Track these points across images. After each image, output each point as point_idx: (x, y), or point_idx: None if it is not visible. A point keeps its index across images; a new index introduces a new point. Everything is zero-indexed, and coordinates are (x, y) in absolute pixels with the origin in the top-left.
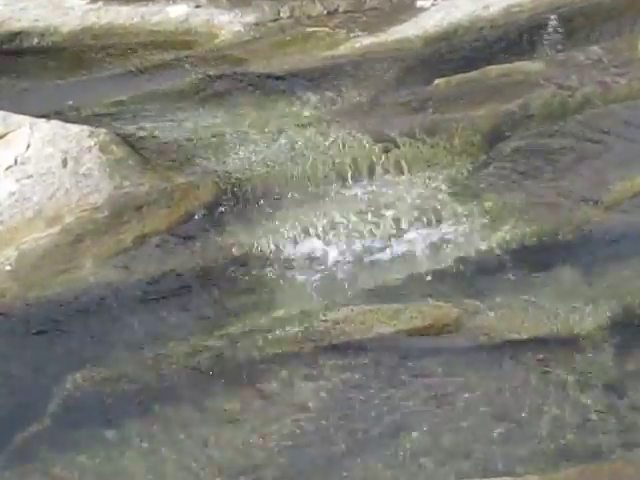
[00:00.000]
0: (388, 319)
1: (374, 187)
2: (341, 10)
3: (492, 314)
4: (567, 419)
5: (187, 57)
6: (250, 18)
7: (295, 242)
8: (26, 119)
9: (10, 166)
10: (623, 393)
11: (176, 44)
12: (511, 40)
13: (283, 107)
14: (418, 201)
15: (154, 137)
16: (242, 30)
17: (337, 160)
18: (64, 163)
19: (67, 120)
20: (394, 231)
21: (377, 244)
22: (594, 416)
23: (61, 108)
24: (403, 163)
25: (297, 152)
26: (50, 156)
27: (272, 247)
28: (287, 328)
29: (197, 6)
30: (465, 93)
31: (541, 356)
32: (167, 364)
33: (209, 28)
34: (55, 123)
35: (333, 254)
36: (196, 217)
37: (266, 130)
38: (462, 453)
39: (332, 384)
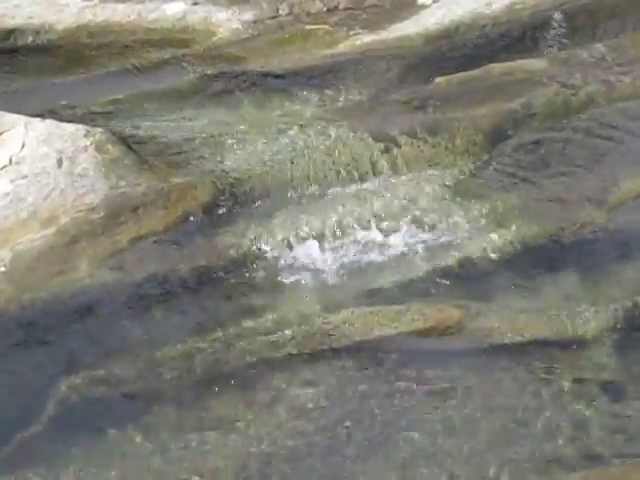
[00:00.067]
0: (389, 321)
1: (374, 187)
2: (341, 7)
3: (495, 316)
4: (570, 422)
5: (184, 55)
6: (248, 15)
7: (294, 243)
8: (21, 118)
9: (4, 166)
10: (628, 396)
11: (173, 42)
12: (513, 38)
13: (282, 106)
14: (419, 201)
15: (151, 136)
16: (240, 28)
17: (337, 160)
18: (59, 163)
19: (62, 119)
20: (395, 232)
21: (377, 245)
22: (598, 419)
23: (56, 107)
24: (404, 163)
25: (296, 152)
26: (45, 156)
27: (271, 248)
28: (286, 330)
29: (194, 3)
30: (467, 92)
31: (544, 358)
32: (163, 367)
33: (207, 26)
34: (50, 122)
35: (333, 255)
36: (193, 218)
37: (265, 130)
38: (464, 456)
39: (332, 387)
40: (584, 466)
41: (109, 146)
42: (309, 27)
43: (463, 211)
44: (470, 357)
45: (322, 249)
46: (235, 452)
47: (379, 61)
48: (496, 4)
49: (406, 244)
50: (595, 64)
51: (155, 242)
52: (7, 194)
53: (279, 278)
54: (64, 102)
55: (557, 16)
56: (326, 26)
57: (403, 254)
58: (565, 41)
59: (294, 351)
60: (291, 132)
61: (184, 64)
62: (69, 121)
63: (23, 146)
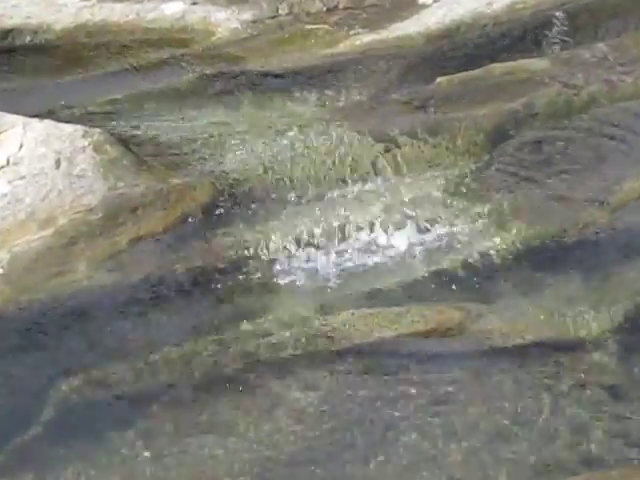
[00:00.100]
0: (389, 323)
1: (374, 188)
2: (341, 7)
3: (496, 317)
4: (572, 425)
5: (183, 55)
6: (248, 15)
7: (294, 244)
8: (19, 119)
9: (2, 167)
10: (630, 399)
11: (172, 42)
12: (515, 37)
13: (282, 106)
14: (420, 202)
15: (150, 137)
16: (239, 27)
17: (337, 161)
18: (57, 164)
19: (60, 120)
20: (395, 233)
21: (377, 246)
22: (600, 422)
23: (54, 107)
24: (404, 163)
25: (296, 152)
26: (43, 156)
27: (270, 250)
28: (285, 332)
29: (193, 3)
30: (468, 92)
31: (546, 360)
32: (161, 369)
33: (206, 25)
34: (48, 123)
35: (332, 257)
36: (192, 219)
37: (264, 130)
38: (465, 460)
39: (332, 389)
40: (585, 469)
41: (107, 147)
42: (309, 27)
43: (464, 212)
44: (471, 359)
45: (322, 250)
46: (234, 456)
47: (379, 61)
48: (497, 3)
49: (406, 245)
50: (597, 64)
51: (154, 243)
52: (5, 195)
53: (278, 280)
54: (62, 102)
55: (559, 15)
56: (326, 26)
57: (403, 255)
58: (567, 41)
59: (293, 353)
60: (291, 132)
61: (183, 64)
62: (67, 121)
63: (21, 147)
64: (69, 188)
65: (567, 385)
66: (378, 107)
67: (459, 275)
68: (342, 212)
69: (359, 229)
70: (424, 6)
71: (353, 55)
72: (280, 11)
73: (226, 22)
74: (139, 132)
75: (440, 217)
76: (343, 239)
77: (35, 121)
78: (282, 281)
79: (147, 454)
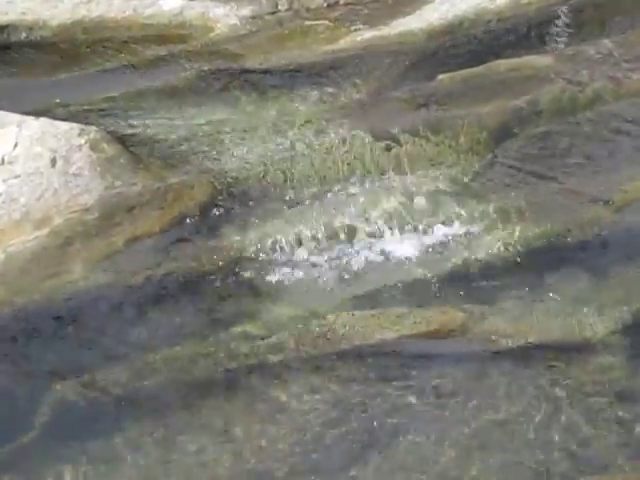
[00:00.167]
0: (391, 324)
1: (376, 187)
2: (341, 2)
3: (500, 319)
4: (578, 427)
5: (181, 52)
6: (247, 11)
7: (293, 245)
8: (14, 117)
9: None
10: (636, 400)
11: (170, 38)
12: (519, 33)
13: (281, 104)
14: (422, 202)
15: (147, 135)
16: (238, 23)
17: (337, 159)
18: (53, 162)
19: (56, 117)
20: (396, 233)
21: (378, 246)
22: (605, 424)
23: (50, 105)
24: (406, 162)
25: (295, 151)
26: (38, 155)
27: (269, 250)
28: (285, 333)
29: None
30: (471, 89)
31: (550, 362)
32: (158, 370)
33: (204, 21)
34: (44, 121)
35: (332, 257)
36: (190, 218)
37: (263, 128)
38: (468, 461)
39: (332, 391)
40: (591, 472)
41: (104, 145)
42: (309, 23)
43: (466, 211)
44: (474, 361)
45: (322, 250)
46: (232, 459)
47: (381, 57)
48: None
49: (408, 245)
50: (602, 60)
51: (151, 243)
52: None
53: (278, 280)
54: (58, 100)
55: (563, 11)
56: (326, 22)
57: (405, 255)
58: (572, 37)
59: (293, 354)
60: (290, 130)
61: (181, 61)
62: (63, 119)
63: (16, 145)
64: (65, 187)
65: (572, 387)
66: (379, 105)
67: (462, 275)
68: (342, 211)
69: (359, 229)
70: (426, 1)
71: (354, 52)
72: (279, 7)
73: (225, 18)
74: (136, 130)
75: (442, 216)
76: (343, 239)
77: (30, 119)
78: (281, 281)
79: (142, 456)
